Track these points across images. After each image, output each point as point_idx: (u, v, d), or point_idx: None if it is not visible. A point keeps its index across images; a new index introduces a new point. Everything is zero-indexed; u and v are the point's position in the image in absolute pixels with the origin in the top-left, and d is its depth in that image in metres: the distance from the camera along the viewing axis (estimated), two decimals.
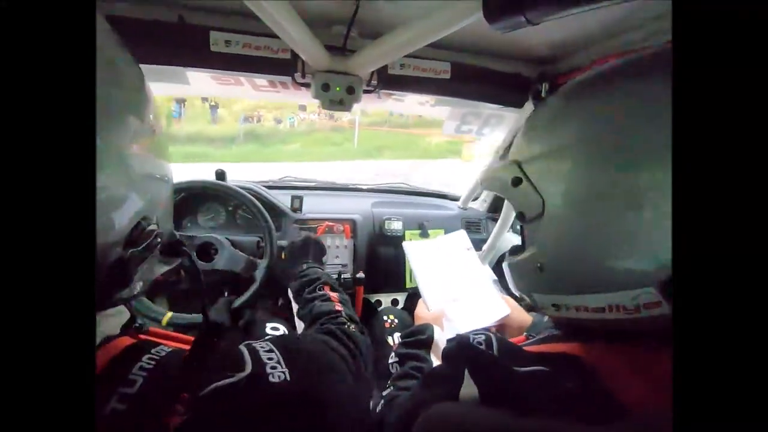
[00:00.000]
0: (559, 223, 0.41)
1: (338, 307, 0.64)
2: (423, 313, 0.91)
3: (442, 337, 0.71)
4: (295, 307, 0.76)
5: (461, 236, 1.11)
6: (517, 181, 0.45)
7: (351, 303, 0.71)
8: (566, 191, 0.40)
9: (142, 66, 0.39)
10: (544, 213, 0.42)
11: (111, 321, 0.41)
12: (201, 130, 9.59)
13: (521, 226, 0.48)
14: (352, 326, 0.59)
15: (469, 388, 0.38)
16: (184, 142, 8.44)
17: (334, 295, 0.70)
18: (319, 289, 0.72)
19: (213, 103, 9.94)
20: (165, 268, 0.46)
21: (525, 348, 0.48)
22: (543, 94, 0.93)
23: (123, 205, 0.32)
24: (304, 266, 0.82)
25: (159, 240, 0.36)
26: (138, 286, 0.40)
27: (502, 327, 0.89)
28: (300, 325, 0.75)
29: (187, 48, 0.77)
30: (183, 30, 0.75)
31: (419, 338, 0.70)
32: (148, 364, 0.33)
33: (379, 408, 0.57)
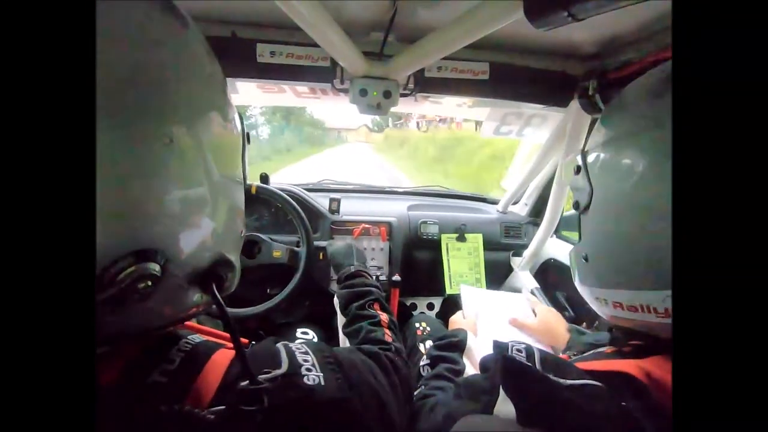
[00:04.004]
0: (601, 214, 0.43)
1: (388, 337, 0.58)
2: (458, 319, 0.89)
3: (475, 344, 0.69)
4: (340, 318, 0.70)
5: (523, 301, 0.95)
6: (577, 170, 0.46)
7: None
8: (611, 183, 0.41)
9: None
10: (590, 203, 0.43)
11: None
12: None
13: (579, 217, 0.48)
14: (398, 360, 0.54)
15: (504, 404, 0.35)
16: None
17: (384, 317, 0.63)
18: (369, 307, 0.66)
19: None
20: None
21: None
22: (590, 93, 0.88)
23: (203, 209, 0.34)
24: (351, 268, 0.77)
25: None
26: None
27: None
28: (343, 339, 0.70)
29: (237, 60, 0.83)
30: (233, 43, 0.82)
31: (452, 341, 0.69)
32: (185, 347, 0.37)
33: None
